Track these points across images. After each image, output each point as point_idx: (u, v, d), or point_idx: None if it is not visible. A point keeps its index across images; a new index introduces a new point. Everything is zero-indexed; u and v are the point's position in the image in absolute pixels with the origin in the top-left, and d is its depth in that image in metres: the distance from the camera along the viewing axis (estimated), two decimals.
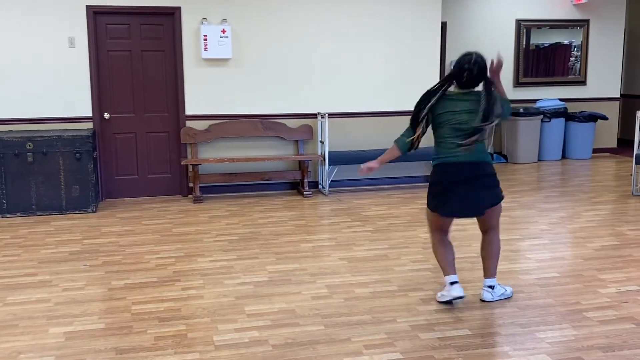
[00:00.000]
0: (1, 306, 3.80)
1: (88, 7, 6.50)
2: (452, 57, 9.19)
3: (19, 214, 6.08)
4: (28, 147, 6.00)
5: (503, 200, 3.76)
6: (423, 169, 7.58)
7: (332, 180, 7.27)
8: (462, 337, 3.30)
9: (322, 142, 7.14)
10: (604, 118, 9.46)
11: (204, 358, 3.09)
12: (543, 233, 5.37)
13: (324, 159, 7.06)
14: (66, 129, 6.47)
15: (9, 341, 3.31)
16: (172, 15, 6.74)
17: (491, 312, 3.63)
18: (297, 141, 7.24)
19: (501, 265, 4.47)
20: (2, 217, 6.04)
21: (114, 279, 4.28)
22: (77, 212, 6.19)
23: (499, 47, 9.36)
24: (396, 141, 3.75)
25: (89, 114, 6.67)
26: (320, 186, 7.33)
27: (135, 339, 3.31)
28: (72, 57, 6.55)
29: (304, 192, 6.97)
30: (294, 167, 7.27)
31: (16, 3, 6.37)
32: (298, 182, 7.28)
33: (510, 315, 3.60)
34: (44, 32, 6.47)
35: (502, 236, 5.21)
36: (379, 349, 3.18)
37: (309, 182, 7.10)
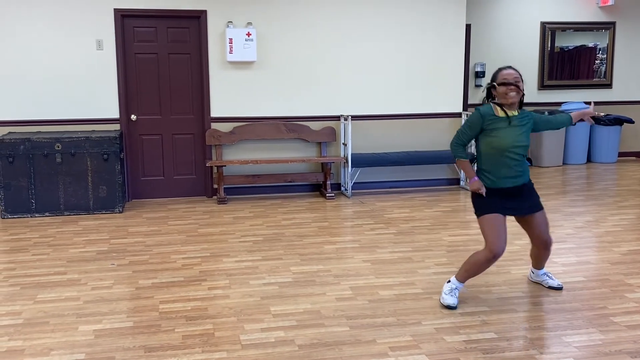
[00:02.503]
0: (32, 304, 3.88)
1: (116, 11, 6.61)
2: (476, 59, 9.17)
3: (47, 214, 6.19)
4: (57, 148, 6.11)
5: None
6: (446, 171, 7.56)
7: (354, 183, 7.28)
8: (488, 341, 3.30)
9: (344, 145, 7.17)
10: (630, 121, 9.35)
11: (231, 357, 3.13)
12: (569, 237, 5.33)
13: (347, 161, 7.08)
14: (94, 131, 6.58)
15: (40, 338, 3.38)
16: (198, 18, 6.82)
17: (517, 316, 3.62)
18: (320, 143, 7.27)
19: (527, 270, 4.46)
20: (31, 216, 6.16)
21: (141, 278, 4.34)
22: (104, 212, 6.29)
23: (523, 50, 9.33)
24: None
25: (116, 115, 6.77)
26: (342, 188, 7.35)
27: (164, 338, 3.36)
28: (100, 59, 6.66)
29: (327, 194, 7.00)
30: (316, 169, 7.30)
31: (46, 7, 6.50)
32: (321, 184, 7.31)
33: (536, 319, 3.58)
34: (73, 34, 6.59)
35: (529, 239, 5.19)
36: (405, 350, 3.19)
37: (331, 184, 7.12)
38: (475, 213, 3.75)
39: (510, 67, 3.71)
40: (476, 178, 3.71)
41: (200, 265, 4.62)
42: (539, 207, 3.78)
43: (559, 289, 4.03)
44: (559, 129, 4.02)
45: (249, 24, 6.90)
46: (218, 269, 4.55)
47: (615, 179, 8.16)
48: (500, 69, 3.73)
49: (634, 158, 9.82)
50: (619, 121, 9.25)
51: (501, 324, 3.52)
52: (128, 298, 3.97)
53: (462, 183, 7.56)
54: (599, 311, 3.69)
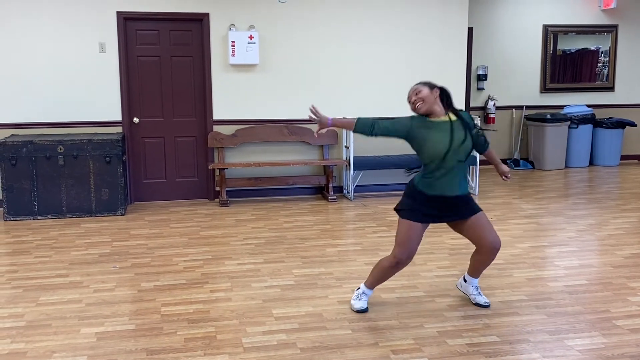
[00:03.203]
0: (34, 306, 3.88)
1: (119, 13, 6.62)
2: (478, 62, 9.17)
3: (49, 216, 6.20)
4: (59, 151, 6.12)
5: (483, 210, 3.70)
6: None
7: (356, 185, 7.28)
8: (491, 344, 3.29)
9: (347, 147, 7.17)
10: (633, 125, 9.34)
11: None
12: (571, 240, 5.33)
13: (349, 164, 7.08)
14: (96, 133, 6.59)
15: (42, 340, 3.38)
16: (200, 21, 6.83)
17: (520, 319, 3.62)
18: (322, 146, 7.27)
19: (530, 273, 4.45)
20: (34, 219, 6.16)
21: (143, 281, 4.34)
22: (106, 214, 6.29)
23: (525, 53, 9.33)
24: None
25: (119, 118, 6.78)
26: (345, 191, 7.35)
27: (166, 340, 3.36)
28: (103, 62, 6.67)
29: (329, 197, 7.00)
30: (318, 172, 7.31)
31: (49, 10, 6.51)
32: (323, 187, 7.31)
33: (539, 322, 3.58)
34: (76, 37, 6.60)
35: (531, 242, 5.20)
36: (407, 354, 3.18)
37: (333, 187, 7.13)
38: (397, 211, 3.65)
39: (418, 84, 3.56)
40: (329, 121, 3.63)
41: (202, 268, 4.62)
42: (477, 209, 3.60)
43: (486, 306, 3.77)
44: (479, 152, 3.77)
45: (252, 27, 6.91)
46: (220, 271, 4.55)
47: (617, 182, 8.15)
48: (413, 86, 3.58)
49: (637, 161, 9.80)
50: (621, 124, 9.22)
51: (504, 327, 3.51)
52: (130, 301, 3.97)
53: None
54: (601, 314, 3.68)
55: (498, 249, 3.63)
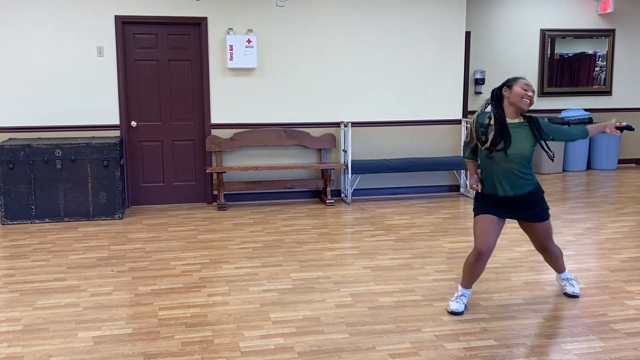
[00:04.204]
0: (31, 310, 3.88)
1: (117, 17, 6.63)
2: (476, 66, 9.19)
3: (47, 220, 6.19)
4: (57, 154, 6.12)
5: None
6: (446, 178, 7.56)
7: (354, 189, 7.29)
8: (488, 348, 3.29)
9: (345, 151, 7.17)
10: (630, 129, 9.30)
11: None
12: (569, 244, 5.33)
13: (347, 168, 7.08)
14: (94, 137, 6.59)
15: (40, 344, 3.37)
16: (198, 25, 6.84)
17: (517, 323, 3.62)
18: (320, 150, 7.27)
19: (527, 276, 4.46)
20: (31, 222, 6.16)
21: (140, 285, 4.33)
22: (103, 218, 6.29)
23: (523, 57, 9.34)
24: None
25: (117, 122, 6.78)
26: (342, 195, 7.35)
27: (163, 344, 3.35)
28: (101, 66, 6.67)
29: (327, 201, 7.00)
30: (316, 176, 7.31)
31: (46, 13, 6.52)
32: (321, 191, 7.31)
33: (536, 326, 3.58)
34: (74, 41, 6.60)
35: (529, 246, 5.20)
36: (404, 358, 3.18)
37: (331, 190, 7.13)
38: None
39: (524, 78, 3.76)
40: (475, 176, 3.78)
41: (200, 272, 4.62)
42: (539, 218, 3.76)
43: (574, 296, 4.01)
44: (573, 140, 4.02)
45: (250, 30, 6.91)
46: (217, 275, 4.54)
47: (615, 186, 8.16)
48: (518, 78, 3.72)
49: (634, 165, 9.82)
50: (618, 128, 9.23)
51: (501, 331, 3.51)
52: (127, 305, 3.97)
53: (462, 190, 7.56)
54: (599, 318, 3.68)
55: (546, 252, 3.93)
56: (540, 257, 4.90)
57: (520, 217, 3.76)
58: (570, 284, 4.06)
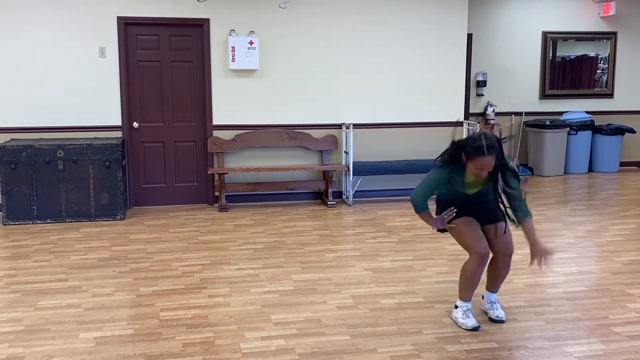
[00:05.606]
0: (33, 311, 3.88)
1: (119, 18, 6.64)
2: (477, 68, 9.19)
3: (48, 220, 6.20)
4: (59, 155, 6.12)
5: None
6: None
7: (356, 191, 7.29)
8: (489, 350, 3.29)
9: (346, 153, 7.18)
10: (632, 131, 9.36)
11: None
12: (570, 246, 5.33)
13: (348, 169, 7.09)
14: (96, 138, 6.60)
15: (41, 345, 3.38)
16: (200, 26, 6.85)
17: (518, 326, 3.62)
18: (321, 151, 7.28)
19: (529, 279, 4.46)
20: (33, 223, 6.16)
21: (142, 286, 4.34)
22: (105, 219, 6.29)
23: (524, 59, 9.35)
24: None
25: (119, 122, 6.79)
26: (344, 196, 7.36)
27: (164, 345, 3.36)
28: (103, 67, 6.68)
29: (328, 202, 7.00)
30: (318, 177, 7.31)
31: (49, 14, 6.53)
32: (322, 192, 7.31)
33: (537, 328, 3.58)
34: (76, 42, 6.61)
35: (529, 249, 5.18)
36: None
37: (333, 192, 7.13)
38: (439, 229, 3.72)
39: (489, 154, 3.31)
40: (438, 222, 3.70)
41: (201, 273, 4.62)
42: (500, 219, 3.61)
43: (500, 322, 3.64)
44: (514, 202, 3.64)
45: (252, 32, 6.92)
46: (219, 276, 4.55)
47: (616, 188, 8.16)
48: (480, 147, 3.30)
49: (636, 167, 9.81)
50: (620, 130, 9.23)
51: (502, 333, 3.51)
52: (129, 305, 3.97)
53: None
54: (600, 321, 3.68)
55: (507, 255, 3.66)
56: None
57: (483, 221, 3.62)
58: (498, 308, 3.73)
